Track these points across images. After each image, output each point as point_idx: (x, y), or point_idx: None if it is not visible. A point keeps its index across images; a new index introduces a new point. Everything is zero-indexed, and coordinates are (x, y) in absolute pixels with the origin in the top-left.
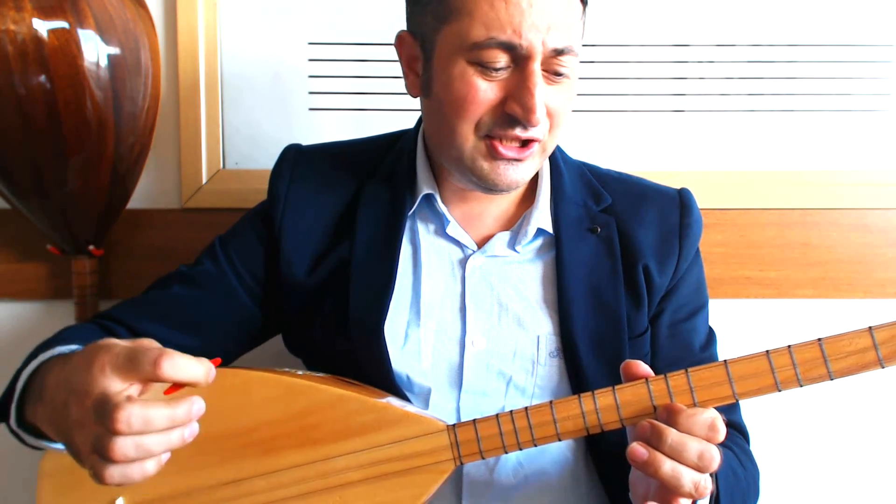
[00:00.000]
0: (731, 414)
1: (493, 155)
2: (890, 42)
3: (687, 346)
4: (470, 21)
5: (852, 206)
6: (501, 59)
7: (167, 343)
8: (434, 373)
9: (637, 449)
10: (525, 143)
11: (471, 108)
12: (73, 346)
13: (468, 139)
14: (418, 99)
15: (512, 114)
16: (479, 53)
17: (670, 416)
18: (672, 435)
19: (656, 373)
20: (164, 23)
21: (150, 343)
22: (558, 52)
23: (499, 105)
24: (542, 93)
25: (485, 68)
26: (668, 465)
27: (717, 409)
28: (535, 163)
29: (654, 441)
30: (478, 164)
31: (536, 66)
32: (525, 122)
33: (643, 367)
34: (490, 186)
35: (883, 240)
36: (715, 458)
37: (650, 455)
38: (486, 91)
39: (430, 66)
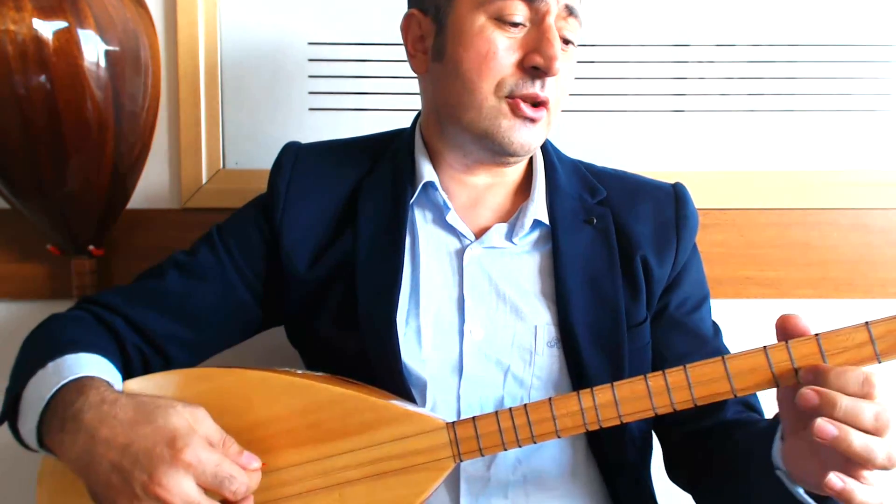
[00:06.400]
0: (750, 396)
1: (515, 113)
2: (890, 42)
3: (699, 336)
4: None
5: (852, 206)
6: (521, 13)
7: (164, 333)
8: (434, 362)
9: (824, 426)
10: (537, 105)
11: (491, 65)
12: (102, 366)
13: (488, 98)
14: (419, 98)
15: (533, 65)
16: (500, 5)
17: (817, 376)
18: (844, 400)
19: (670, 365)
20: (164, 22)
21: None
22: (569, 12)
23: (519, 63)
24: (559, 45)
25: (504, 23)
26: (859, 439)
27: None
28: (543, 131)
29: (826, 411)
30: (496, 123)
31: (552, 20)
32: (546, 71)
33: (803, 323)
34: (505, 146)
35: (883, 240)
36: (893, 417)
37: (840, 431)
38: (506, 49)
39: (444, 31)
